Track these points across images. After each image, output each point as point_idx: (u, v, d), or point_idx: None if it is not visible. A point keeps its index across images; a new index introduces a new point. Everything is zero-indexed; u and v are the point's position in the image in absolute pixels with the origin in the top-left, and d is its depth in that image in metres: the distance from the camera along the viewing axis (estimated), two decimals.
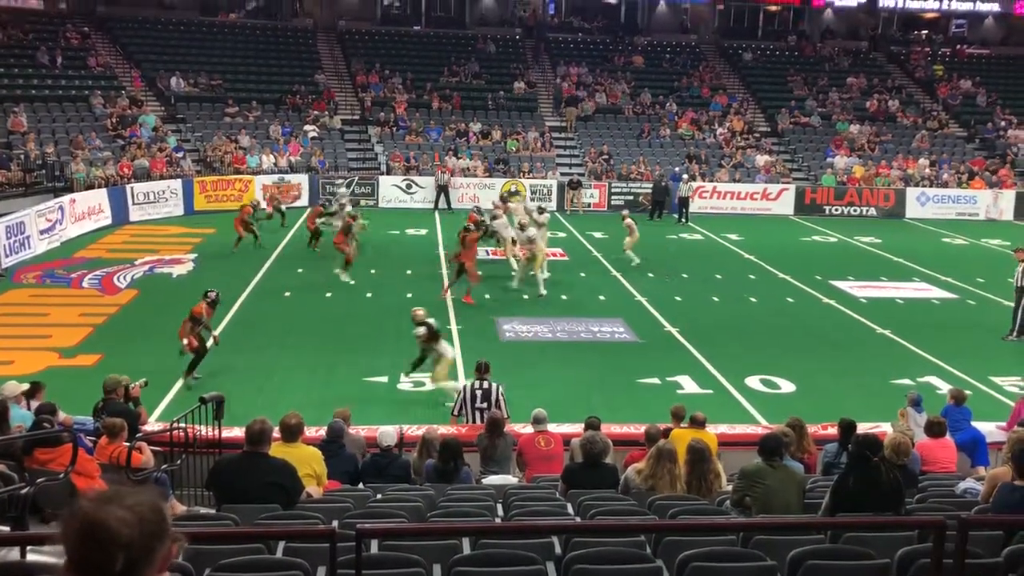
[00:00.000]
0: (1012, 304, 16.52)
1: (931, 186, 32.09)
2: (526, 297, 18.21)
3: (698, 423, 8.81)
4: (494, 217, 20.04)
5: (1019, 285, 16.07)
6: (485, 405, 10.35)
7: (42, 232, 21.59)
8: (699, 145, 33.56)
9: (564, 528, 4.88)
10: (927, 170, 32.71)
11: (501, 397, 10.47)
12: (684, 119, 34.83)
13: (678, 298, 18.63)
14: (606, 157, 32.17)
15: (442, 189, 29.41)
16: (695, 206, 29.64)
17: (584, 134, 34.03)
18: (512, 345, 15.23)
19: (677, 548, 4.83)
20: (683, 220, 28.55)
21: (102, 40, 32.90)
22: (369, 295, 18.17)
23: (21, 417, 8.40)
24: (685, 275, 20.79)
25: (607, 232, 19.51)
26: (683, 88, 36.79)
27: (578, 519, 5.88)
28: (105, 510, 1.83)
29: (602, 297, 18.12)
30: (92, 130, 28.01)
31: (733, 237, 26.17)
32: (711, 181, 31.44)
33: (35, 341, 14.66)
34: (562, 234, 25.14)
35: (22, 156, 25.24)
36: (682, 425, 9.07)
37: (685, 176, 30.17)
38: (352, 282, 18.62)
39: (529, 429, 9.12)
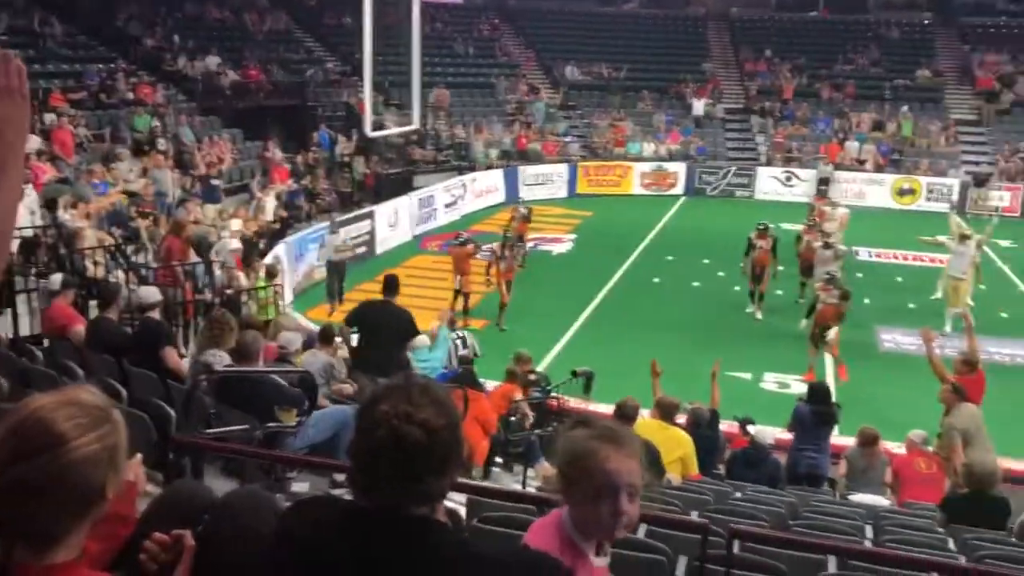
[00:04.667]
0: None
1: None
2: (912, 306, 16.75)
3: None
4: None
5: None
6: (466, 352, 11.47)
7: (446, 206, 24.16)
8: None
9: (950, 568, 4.45)
10: None
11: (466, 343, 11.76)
12: None
13: None
14: (1023, 155, 28.35)
15: (823, 182, 27.90)
16: None
17: (998, 129, 30.25)
18: (891, 357, 14.14)
19: None
20: None
21: (508, 30, 35.69)
22: (737, 288, 17.87)
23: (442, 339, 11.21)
24: None
25: (1018, 240, 17.12)
26: None
27: (963, 559, 5.31)
28: None
29: (1004, 314, 16.09)
30: (494, 114, 30.61)
31: None
32: None
33: (434, 303, 16.45)
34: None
35: (435, 136, 28.32)
36: None
37: None
38: None
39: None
